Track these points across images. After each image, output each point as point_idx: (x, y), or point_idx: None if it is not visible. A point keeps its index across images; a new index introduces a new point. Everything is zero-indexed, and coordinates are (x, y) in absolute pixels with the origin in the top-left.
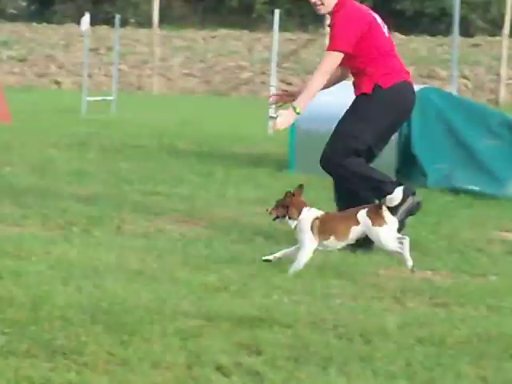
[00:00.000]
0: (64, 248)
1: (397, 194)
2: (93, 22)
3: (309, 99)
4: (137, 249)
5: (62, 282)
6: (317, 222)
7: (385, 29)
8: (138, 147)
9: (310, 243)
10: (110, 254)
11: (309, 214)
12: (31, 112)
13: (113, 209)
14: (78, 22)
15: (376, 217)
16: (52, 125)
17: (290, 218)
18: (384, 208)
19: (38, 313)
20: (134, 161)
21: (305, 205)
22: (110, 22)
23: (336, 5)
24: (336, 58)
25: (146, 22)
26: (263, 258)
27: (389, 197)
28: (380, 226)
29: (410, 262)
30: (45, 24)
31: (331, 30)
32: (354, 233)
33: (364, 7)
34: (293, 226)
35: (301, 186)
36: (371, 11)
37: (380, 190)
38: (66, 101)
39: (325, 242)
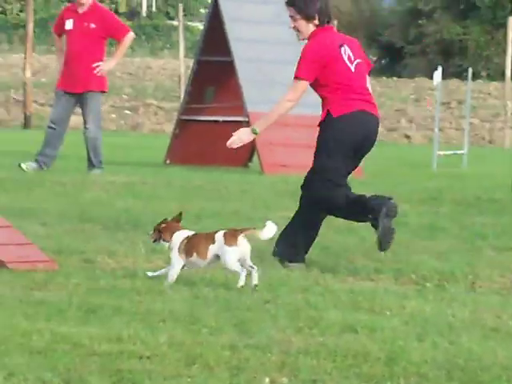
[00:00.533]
0: (418, 303)
1: (269, 228)
2: (443, 76)
3: (270, 122)
4: (492, 305)
5: (416, 338)
6: (185, 241)
7: (353, 64)
8: (491, 201)
9: (176, 261)
10: (464, 310)
11: (179, 235)
12: (383, 166)
13: (466, 264)
14: (429, 76)
15: (230, 238)
16: (403, 179)
17: (164, 241)
18: (242, 234)
19: (394, 368)
20: (488, 215)
21: (178, 229)
22: (460, 75)
23: (310, 34)
24: (300, 85)
25: (497, 75)
26: (148, 273)
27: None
28: (230, 246)
29: (242, 283)
30: (395, 78)
31: None
32: (211, 251)
33: (333, 40)
34: (167, 247)
35: (180, 214)
36: (344, 44)
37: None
38: (417, 155)
39: (190, 259)
